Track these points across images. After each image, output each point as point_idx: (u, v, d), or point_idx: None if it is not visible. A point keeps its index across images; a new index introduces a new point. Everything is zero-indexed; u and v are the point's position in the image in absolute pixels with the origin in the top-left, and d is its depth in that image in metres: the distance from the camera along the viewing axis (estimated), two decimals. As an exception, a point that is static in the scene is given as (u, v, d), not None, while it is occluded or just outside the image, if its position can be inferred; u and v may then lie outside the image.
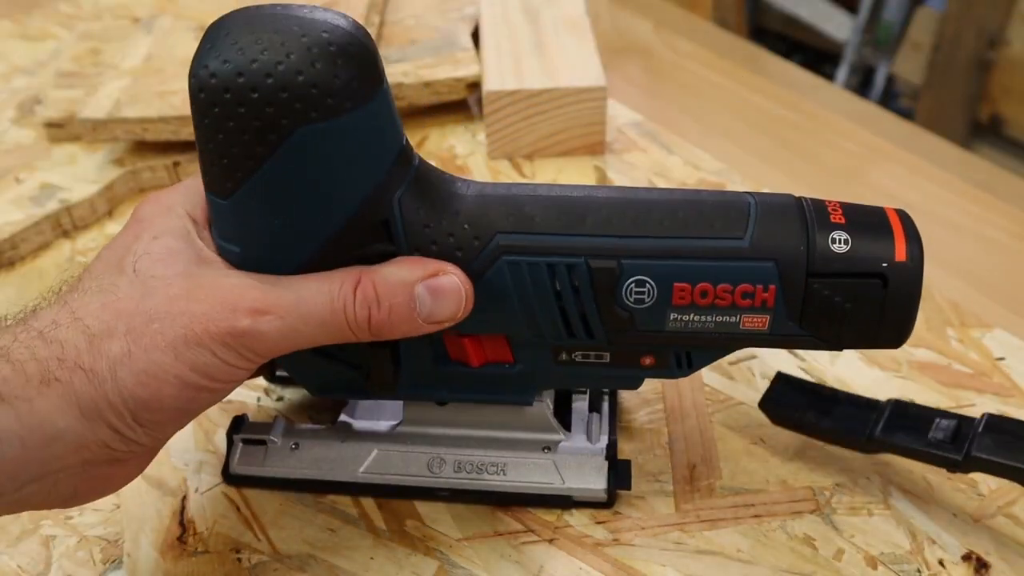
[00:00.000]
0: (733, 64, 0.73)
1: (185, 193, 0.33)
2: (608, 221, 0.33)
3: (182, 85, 0.60)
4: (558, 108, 0.58)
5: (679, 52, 0.75)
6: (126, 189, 0.59)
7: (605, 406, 0.41)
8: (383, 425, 0.40)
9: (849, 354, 0.45)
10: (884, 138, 0.64)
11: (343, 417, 0.41)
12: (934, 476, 0.39)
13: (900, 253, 0.32)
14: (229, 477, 0.40)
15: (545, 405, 0.38)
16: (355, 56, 0.29)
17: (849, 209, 0.33)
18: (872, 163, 0.62)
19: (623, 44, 0.77)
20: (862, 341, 0.33)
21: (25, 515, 0.39)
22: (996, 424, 0.34)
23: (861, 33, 1.66)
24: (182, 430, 0.32)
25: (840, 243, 0.32)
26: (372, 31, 0.66)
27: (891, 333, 0.33)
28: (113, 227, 0.56)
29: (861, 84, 1.71)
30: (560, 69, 0.59)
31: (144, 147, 0.60)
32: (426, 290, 0.31)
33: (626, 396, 0.43)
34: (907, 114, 1.57)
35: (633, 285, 0.33)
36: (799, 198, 0.34)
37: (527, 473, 0.38)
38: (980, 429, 0.34)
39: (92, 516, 0.39)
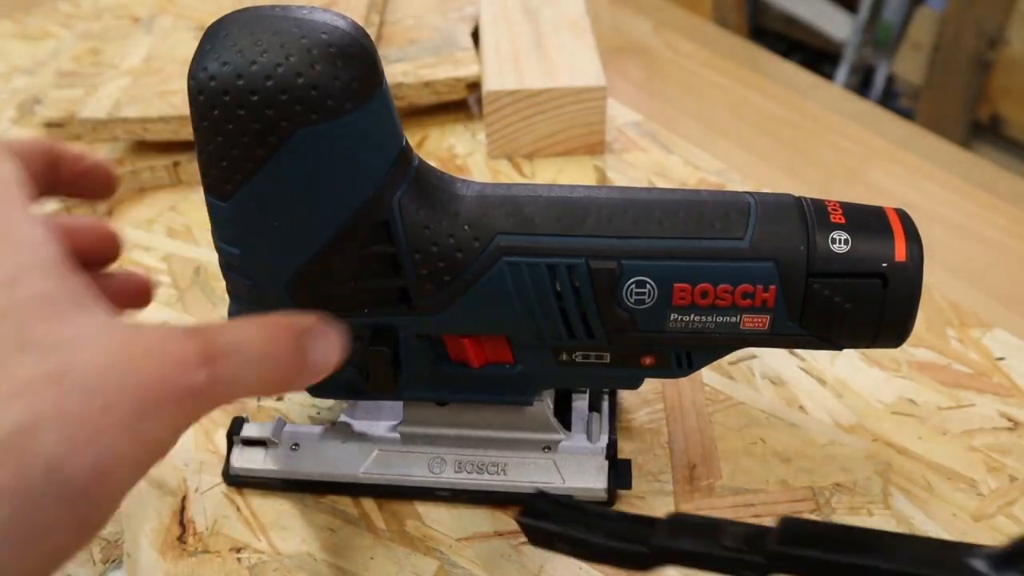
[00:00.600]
0: (733, 64, 0.73)
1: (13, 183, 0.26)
2: (608, 222, 0.33)
3: (182, 85, 0.60)
4: (558, 108, 0.58)
5: (679, 52, 0.75)
6: (126, 189, 0.59)
7: (605, 406, 0.41)
8: (383, 425, 0.40)
9: (849, 354, 0.45)
10: (884, 138, 0.64)
11: (343, 417, 0.41)
12: (934, 476, 0.39)
13: (900, 253, 0.32)
14: (229, 477, 0.40)
15: (545, 405, 0.38)
16: (355, 57, 0.29)
17: (849, 209, 0.33)
18: (872, 163, 0.62)
19: (623, 44, 0.77)
20: (862, 341, 0.33)
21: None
22: (793, 526, 0.29)
23: (861, 33, 1.66)
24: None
25: (840, 243, 0.32)
26: (372, 31, 0.66)
27: (891, 333, 0.33)
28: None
29: (861, 84, 1.71)
30: (560, 69, 0.59)
31: (144, 147, 0.60)
32: (311, 335, 0.29)
33: (626, 396, 0.43)
34: (907, 114, 1.57)
35: (633, 286, 0.33)
36: (799, 198, 0.34)
37: (527, 473, 0.38)
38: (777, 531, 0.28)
39: (92, 516, 0.39)
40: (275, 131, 0.29)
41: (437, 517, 0.38)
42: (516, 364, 0.36)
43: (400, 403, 0.40)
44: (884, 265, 0.32)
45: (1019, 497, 0.38)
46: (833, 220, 0.33)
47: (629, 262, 0.32)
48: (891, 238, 0.32)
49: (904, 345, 0.34)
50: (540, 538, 0.30)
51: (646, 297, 0.33)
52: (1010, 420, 0.42)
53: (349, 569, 0.36)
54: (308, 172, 0.30)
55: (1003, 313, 0.48)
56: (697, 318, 0.33)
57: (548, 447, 0.39)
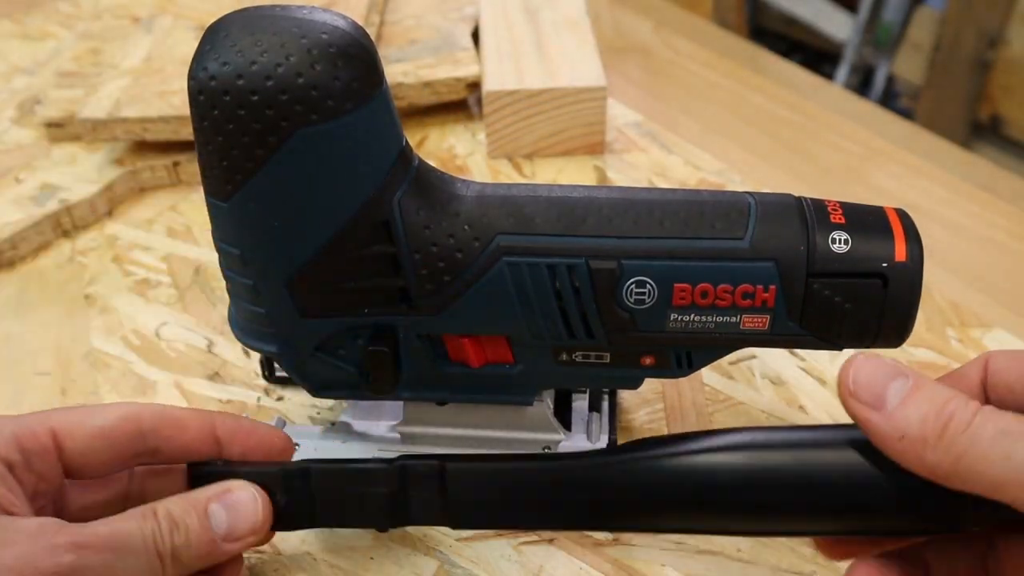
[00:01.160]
0: (733, 64, 0.73)
1: None
2: (608, 222, 0.33)
3: (182, 85, 0.60)
4: (558, 108, 0.58)
5: (679, 52, 0.75)
6: (126, 189, 0.59)
7: (605, 406, 0.41)
8: (383, 425, 0.40)
9: (849, 354, 0.45)
10: (884, 138, 0.64)
11: (343, 417, 0.41)
12: (934, 476, 0.39)
13: (900, 253, 0.32)
14: (229, 477, 0.40)
15: (545, 405, 0.38)
16: (355, 57, 0.29)
17: (849, 209, 0.33)
18: (872, 163, 0.62)
19: (623, 44, 0.77)
20: (862, 341, 0.33)
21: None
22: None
23: (861, 33, 1.67)
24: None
25: (840, 243, 0.32)
26: (372, 31, 0.66)
27: (891, 333, 0.33)
28: (113, 227, 0.56)
29: (861, 84, 1.71)
30: (560, 69, 0.59)
31: (144, 147, 0.60)
32: (221, 506, 0.30)
33: (626, 396, 0.43)
34: (907, 114, 1.57)
35: (633, 286, 0.33)
36: (799, 198, 0.34)
37: (527, 473, 0.38)
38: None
39: (92, 516, 0.39)
40: (275, 131, 0.29)
41: (437, 517, 0.38)
42: (516, 364, 0.36)
43: (400, 403, 0.40)
44: (884, 265, 0.32)
45: (1019, 497, 0.38)
46: (833, 220, 0.33)
47: (629, 262, 0.32)
48: (891, 238, 0.32)
49: (904, 345, 0.34)
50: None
51: (646, 297, 0.33)
52: (1010, 420, 0.42)
53: (349, 569, 0.36)
54: (308, 172, 0.30)
55: (1003, 313, 0.48)
56: (697, 318, 0.33)
57: (548, 447, 0.39)
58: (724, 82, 0.71)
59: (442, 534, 0.38)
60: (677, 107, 0.68)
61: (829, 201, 0.34)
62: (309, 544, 0.37)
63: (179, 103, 0.59)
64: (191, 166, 0.59)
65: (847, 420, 0.29)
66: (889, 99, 1.67)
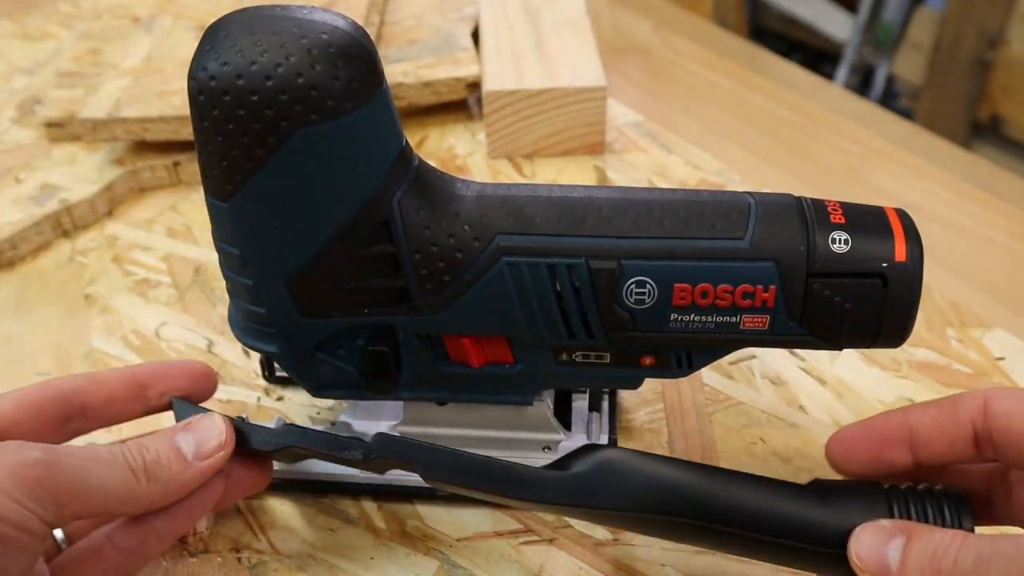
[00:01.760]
0: (733, 64, 0.73)
1: None
2: (608, 222, 0.33)
3: (182, 85, 0.60)
4: (558, 108, 0.58)
5: (679, 52, 0.75)
6: (126, 189, 0.59)
7: (605, 406, 0.41)
8: (383, 425, 0.40)
9: (849, 354, 0.45)
10: (884, 138, 0.64)
11: (343, 417, 0.41)
12: (934, 476, 0.39)
13: (900, 253, 0.32)
14: (229, 477, 0.40)
15: (545, 405, 0.38)
16: (355, 57, 0.29)
17: (849, 209, 0.33)
18: (872, 163, 0.62)
19: (623, 44, 0.77)
20: (862, 341, 0.33)
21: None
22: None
23: (861, 33, 1.66)
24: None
25: (840, 243, 0.32)
26: (372, 31, 0.66)
27: (891, 333, 0.33)
28: (113, 227, 0.56)
29: (861, 84, 1.71)
30: (560, 69, 0.59)
31: (144, 147, 0.60)
32: (186, 430, 0.32)
33: (626, 396, 0.43)
34: (907, 114, 1.57)
35: (634, 286, 0.33)
36: (799, 198, 0.34)
37: (527, 473, 0.38)
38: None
39: (92, 516, 0.39)
40: (275, 131, 0.29)
41: (437, 517, 0.38)
42: (516, 364, 0.36)
43: (400, 403, 0.40)
44: (884, 265, 0.32)
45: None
46: (833, 220, 0.33)
47: (629, 262, 0.32)
48: (891, 238, 0.32)
49: (904, 345, 0.34)
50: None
51: (646, 297, 0.33)
52: (1010, 420, 0.42)
53: (349, 569, 0.36)
54: (308, 172, 0.30)
55: (1003, 313, 0.48)
56: (697, 318, 0.33)
57: (548, 447, 0.39)
58: (724, 82, 0.71)
59: (442, 534, 0.38)
60: (677, 107, 0.68)
61: (829, 201, 0.34)
62: (309, 544, 0.37)
63: (179, 103, 0.59)
64: (191, 166, 0.59)
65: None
66: (889, 99, 1.67)
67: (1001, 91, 1.48)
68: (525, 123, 0.59)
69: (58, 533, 0.33)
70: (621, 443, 0.41)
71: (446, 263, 0.33)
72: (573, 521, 0.38)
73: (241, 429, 0.34)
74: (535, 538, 0.37)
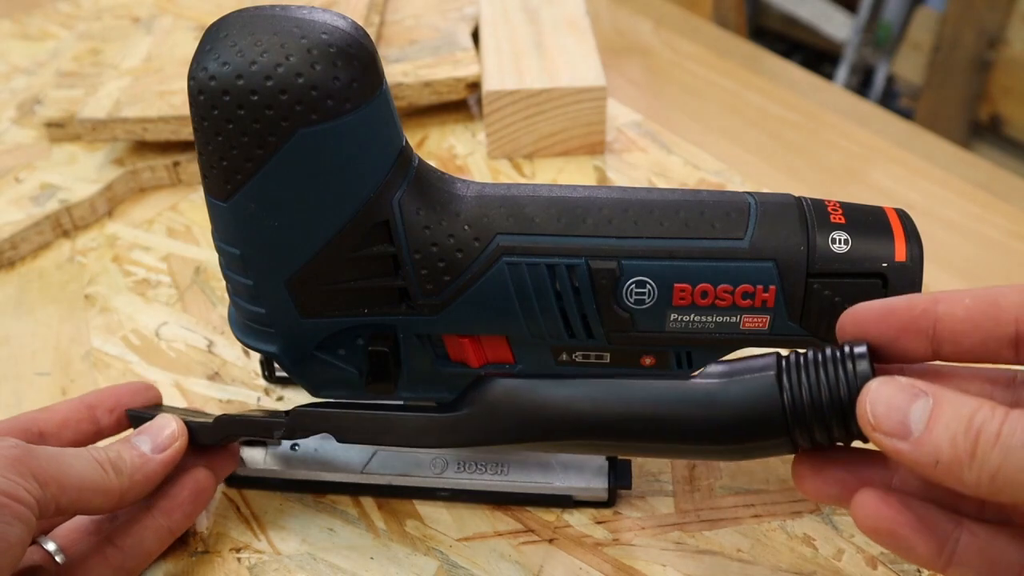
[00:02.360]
0: (733, 64, 0.73)
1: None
2: (608, 222, 0.33)
3: (182, 85, 0.60)
4: (558, 108, 0.58)
5: (679, 52, 0.75)
6: (126, 189, 0.59)
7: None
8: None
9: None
10: (884, 138, 0.64)
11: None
12: (934, 476, 0.39)
13: (900, 253, 0.32)
14: (229, 477, 0.40)
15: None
16: (354, 57, 0.29)
17: (849, 209, 0.33)
18: (872, 163, 0.62)
19: (623, 44, 0.77)
20: (862, 341, 0.33)
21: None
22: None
23: (861, 33, 1.67)
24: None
25: (840, 243, 0.32)
26: (372, 31, 0.66)
27: (891, 333, 0.33)
28: (113, 227, 0.56)
29: (861, 84, 1.71)
30: (560, 69, 0.59)
31: (144, 147, 0.60)
32: (140, 433, 0.34)
33: (626, 396, 0.43)
34: (907, 114, 1.57)
35: (633, 286, 0.33)
36: (799, 198, 0.34)
37: (528, 472, 0.38)
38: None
39: (92, 516, 0.39)
40: (275, 131, 0.29)
41: (437, 517, 0.38)
42: (516, 364, 0.36)
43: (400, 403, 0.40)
44: (884, 265, 0.32)
45: (1019, 497, 0.38)
46: (833, 220, 0.33)
47: (629, 262, 0.32)
48: (891, 238, 0.32)
49: (904, 345, 0.34)
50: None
51: (646, 297, 0.33)
52: (1010, 420, 0.42)
53: (349, 569, 0.36)
54: (308, 172, 0.30)
55: (1003, 313, 0.48)
56: (697, 318, 0.33)
57: (548, 447, 0.39)
58: (724, 82, 0.71)
59: (442, 534, 0.38)
60: (677, 107, 0.68)
61: (829, 201, 0.34)
62: (309, 544, 0.37)
63: (179, 103, 0.59)
64: (191, 166, 0.59)
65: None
66: (889, 99, 1.67)
67: (1001, 91, 1.48)
68: (525, 123, 0.59)
69: (50, 545, 0.33)
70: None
71: (446, 263, 0.33)
72: (573, 521, 0.38)
73: (189, 425, 0.35)
74: (535, 538, 0.37)
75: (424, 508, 0.39)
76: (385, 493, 0.39)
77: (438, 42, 0.66)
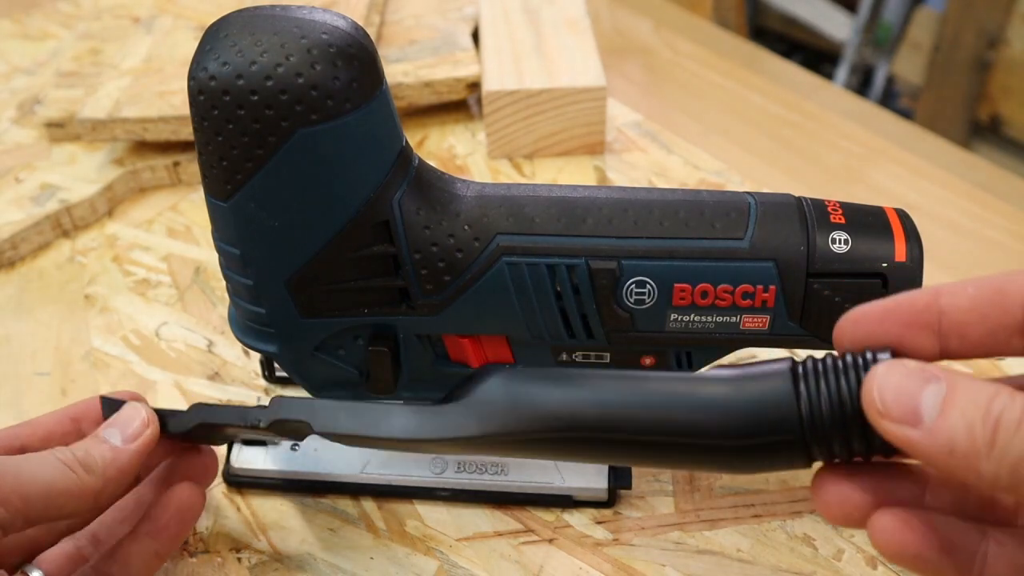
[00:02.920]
0: (733, 64, 0.73)
1: None
2: (608, 222, 0.33)
3: (182, 85, 0.60)
4: (558, 108, 0.58)
5: (679, 52, 0.75)
6: (126, 189, 0.59)
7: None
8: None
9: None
10: (884, 138, 0.64)
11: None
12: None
13: (900, 253, 0.32)
14: (229, 477, 0.40)
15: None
16: (354, 57, 0.29)
17: (849, 209, 0.33)
18: (872, 163, 0.62)
19: (623, 44, 0.77)
20: (862, 341, 0.33)
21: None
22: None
23: (861, 33, 1.66)
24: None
25: (840, 243, 0.32)
26: (372, 31, 0.66)
27: (891, 333, 0.33)
28: (113, 227, 0.56)
29: (861, 84, 1.71)
30: (560, 69, 0.59)
31: (144, 147, 0.60)
32: (109, 425, 0.33)
33: (626, 396, 0.43)
34: (907, 114, 1.57)
35: (633, 286, 0.33)
36: (799, 198, 0.34)
37: (528, 472, 0.38)
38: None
39: (92, 516, 0.39)
40: (275, 131, 0.29)
41: (437, 517, 0.38)
42: (516, 364, 0.36)
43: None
44: (884, 265, 0.32)
45: (1019, 497, 0.38)
46: (833, 220, 0.33)
47: (629, 262, 0.32)
48: (891, 238, 0.32)
49: (904, 345, 0.34)
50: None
51: (646, 297, 0.33)
52: (1010, 420, 0.42)
53: (349, 569, 0.36)
54: (308, 172, 0.30)
55: (1003, 313, 0.48)
56: (697, 318, 0.33)
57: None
58: (724, 82, 0.71)
59: (442, 534, 0.38)
60: (677, 107, 0.68)
61: (829, 201, 0.34)
62: (309, 544, 0.37)
63: (179, 103, 0.59)
64: (191, 166, 0.59)
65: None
66: (889, 99, 1.67)
67: (1001, 91, 1.48)
68: (525, 123, 0.59)
69: (35, 573, 0.32)
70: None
71: (446, 263, 0.33)
72: (573, 521, 0.38)
73: (160, 415, 0.34)
74: (535, 538, 0.37)
75: (424, 508, 0.39)
76: (385, 493, 0.39)
77: (438, 42, 0.66)
